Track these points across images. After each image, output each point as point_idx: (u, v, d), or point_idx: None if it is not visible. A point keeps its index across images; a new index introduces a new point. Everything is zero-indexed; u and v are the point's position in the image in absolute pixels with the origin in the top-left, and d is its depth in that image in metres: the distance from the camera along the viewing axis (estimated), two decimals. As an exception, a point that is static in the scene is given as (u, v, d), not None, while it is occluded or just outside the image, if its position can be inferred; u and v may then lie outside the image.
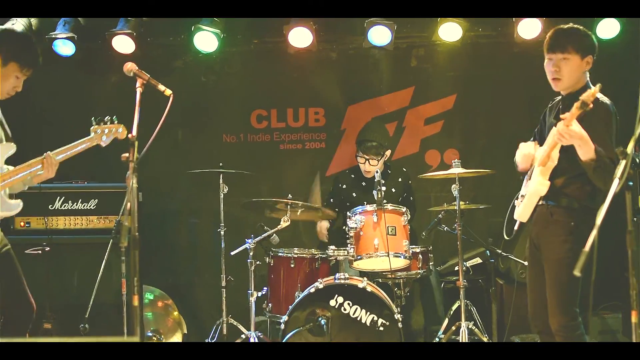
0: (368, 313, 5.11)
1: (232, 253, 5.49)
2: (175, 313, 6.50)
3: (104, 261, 5.45)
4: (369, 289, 5.13)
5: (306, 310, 5.12)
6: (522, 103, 6.81)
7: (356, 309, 5.12)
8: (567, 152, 4.06)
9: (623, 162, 3.16)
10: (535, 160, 4.30)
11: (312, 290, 5.14)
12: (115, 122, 4.66)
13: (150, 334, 6.36)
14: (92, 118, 4.60)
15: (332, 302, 5.12)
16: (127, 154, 3.87)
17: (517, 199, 4.48)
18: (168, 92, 4.20)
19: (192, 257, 6.97)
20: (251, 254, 5.41)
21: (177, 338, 6.44)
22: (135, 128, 3.91)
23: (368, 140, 6.00)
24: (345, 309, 5.12)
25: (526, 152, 4.40)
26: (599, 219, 3.08)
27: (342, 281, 5.19)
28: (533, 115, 6.07)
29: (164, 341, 6.34)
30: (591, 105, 3.76)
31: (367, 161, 6.02)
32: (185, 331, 6.48)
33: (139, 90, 4.04)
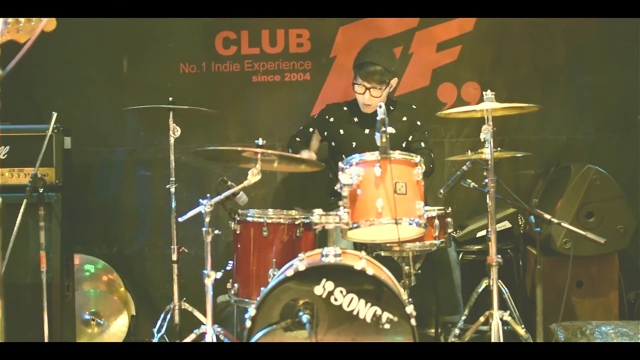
0: (368, 305, 3.69)
1: (181, 219, 4.09)
2: (122, 289, 5.51)
3: (16, 227, 4.31)
4: (370, 270, 3.69)
5: (282, 301, 3.71)
6: (559, 27, 5.67)
7: (352, 299, 3.69)
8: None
9: None
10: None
11: (290, 272, 3.71)
12: None
13: (87, 317, 5.28)
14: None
15: (318, 290, 3.70)
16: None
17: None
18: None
19: (142, 221, 5.75)
20: (207, 219, 3.98)
21: (122, 321, 5.33)
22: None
23: (370, 63, 4.86)
24: (336, 299, 3.70)
25: None
26: None
27: (332, 259, 3.77)
28: (569, 43, 5.53)
29: (104, 325, 5.28)
30: None
31: (367, 90, 4.89)
32: (134, 312, 5.43)
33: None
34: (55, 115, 4.52)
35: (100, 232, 5.64)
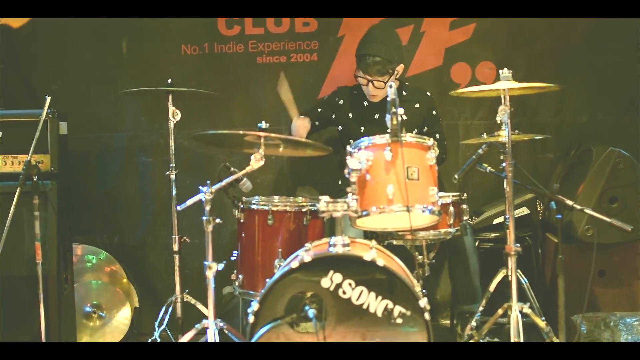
0: (379, 298, 3.47)
1: (179, 208, 3.87)
2: (124, 280, 5.36)
3: (9, 217, 4.16)
4: (380, 261, 3.46)
5: (287, 295, 3.49)
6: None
7: (361, 291, 3.47)
8: None
9: None
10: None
11: (295, 263, 3.49)
12: None
13: (89, 310, 5.14)
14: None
15: (325, 282, 3.48)
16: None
17: None
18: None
19: (144, 210, 5.56)
20: (207, 208, 3.75)
21: (124, 313, 5.18)
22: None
23: (369, 55, 4.66)
24: (345, 292, 3.48)
25: None
26: None
27: (340, 250, 3.54)
28: (588, 19, 5.17)
29: (106, 317, 5.13)
30: None
31: (369, 82, 4.70)
32: (137, 304, 5.25)
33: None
34: (49, 99, 4.34)
35: (101, 221, 5.47)
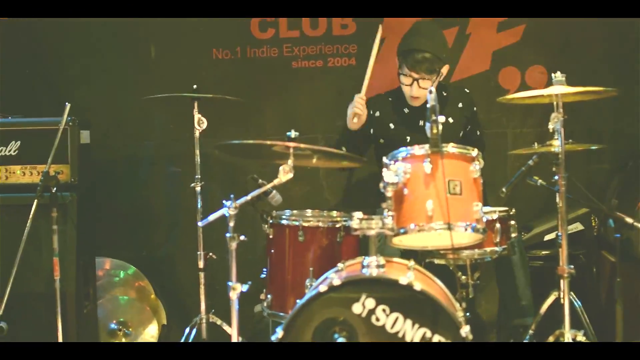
0: (416, 326, 3.18)
1: (201, 224, 3.63)
2: (152, 296, 5.15)
3: (26, 231, 4.03)
4: (417, 285, 3.16)
5: (314, 321, 3.21)
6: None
7: (396, 318, 3.18)
8: None
9: None
10: None
11: (323, 287, 3.21)
12: None
13: (114, 327, 4.99)
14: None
15: (357, 308, 3.20)
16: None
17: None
18: None
19: (173, 222, 5.45)
20: (231, 224, 3.46)
21: (151, 331, 5.04)
22: None
23: (417, 50, 4.40)
24: (378, 319, 3.19)
25: None
26: None
27: (374, 271, 3.27)
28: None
29: (132, 335, 5.00)
30: None
31: (415, 82, 4.44)
32: (165, 321, 5.11)
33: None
34: (68, 106, 4.21)
35: (127, 234, 5.36)
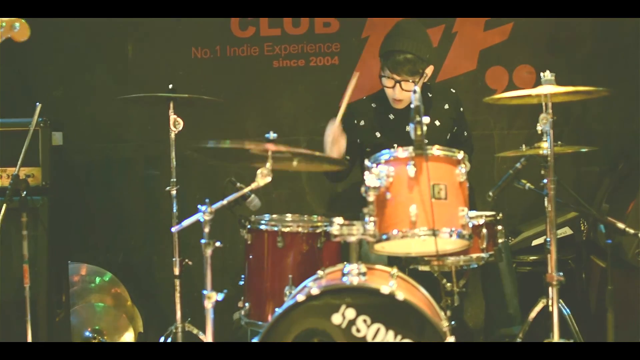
0: (398, 337, 3.07)
1: (174, 229, 3.51)
2: (129, 303, 5.09)
3: None
4: (400, 294, 3.04)
5: (291, 333, 3.10)
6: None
7: (377, 329, 3.07)
8: None
9: None
10: None
11: (301, 297, 3.08)
12: None
13: (89, 335, 4.93)
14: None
15: (337, 318, 3.08)
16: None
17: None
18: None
19: (150, 226, 5.39)
20: (206, 230, 3.33)
21: (127, 339, 5.05)
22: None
23: (399, 51, 4.25)
24: (359, 330, 3.08)
25: None
26: None
27: (355, 279, 3.16)
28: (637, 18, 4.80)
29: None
30: None
31: (397, 84, 4.28)
32: (141, 329, 5.08)
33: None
34: (39, 107, 4.12)
35: (103, 238, 5.34)
